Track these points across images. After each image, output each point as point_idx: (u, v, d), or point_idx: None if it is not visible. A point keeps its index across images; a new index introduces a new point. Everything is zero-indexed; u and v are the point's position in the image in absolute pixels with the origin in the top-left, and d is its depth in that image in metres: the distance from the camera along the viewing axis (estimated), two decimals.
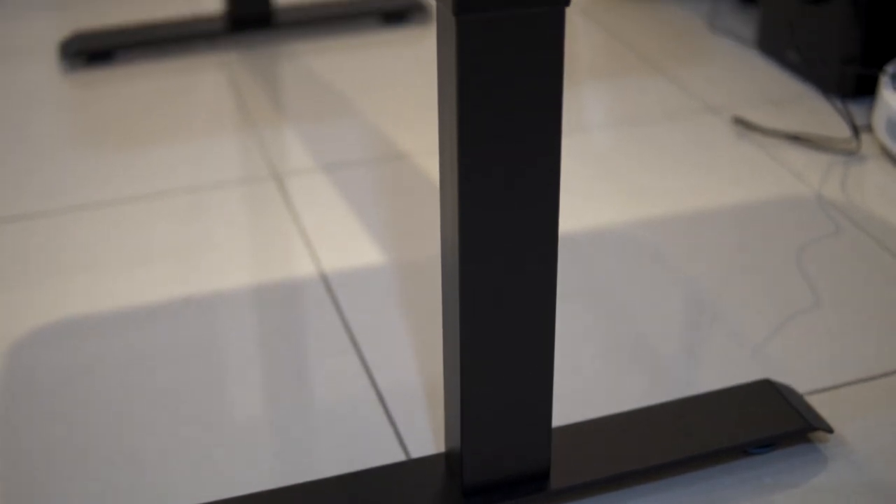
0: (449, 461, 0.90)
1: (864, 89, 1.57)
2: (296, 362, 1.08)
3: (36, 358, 1.10)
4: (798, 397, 1.00)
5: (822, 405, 1.01)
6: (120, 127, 1.55)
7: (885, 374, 1.05)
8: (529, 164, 0.76)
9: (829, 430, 0.96)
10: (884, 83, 1.45)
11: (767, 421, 0.96)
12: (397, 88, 1.65)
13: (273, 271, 1.22)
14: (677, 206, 1.34)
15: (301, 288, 1.19)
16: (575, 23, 1.85)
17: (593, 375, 1.06)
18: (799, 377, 1.05)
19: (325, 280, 1.21)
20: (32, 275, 1.23)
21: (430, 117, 1.56)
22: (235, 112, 1.58)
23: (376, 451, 0.97)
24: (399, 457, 0.97)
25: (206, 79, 1.68)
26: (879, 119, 1.44)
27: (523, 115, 0.75)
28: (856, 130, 1.47)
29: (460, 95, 0.73)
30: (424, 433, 0.99)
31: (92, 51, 1.74)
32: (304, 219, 1.32)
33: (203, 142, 1.50)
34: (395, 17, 1.85)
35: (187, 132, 1.53)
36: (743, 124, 1.52)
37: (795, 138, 1.48)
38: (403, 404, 1.03)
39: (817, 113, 1.56)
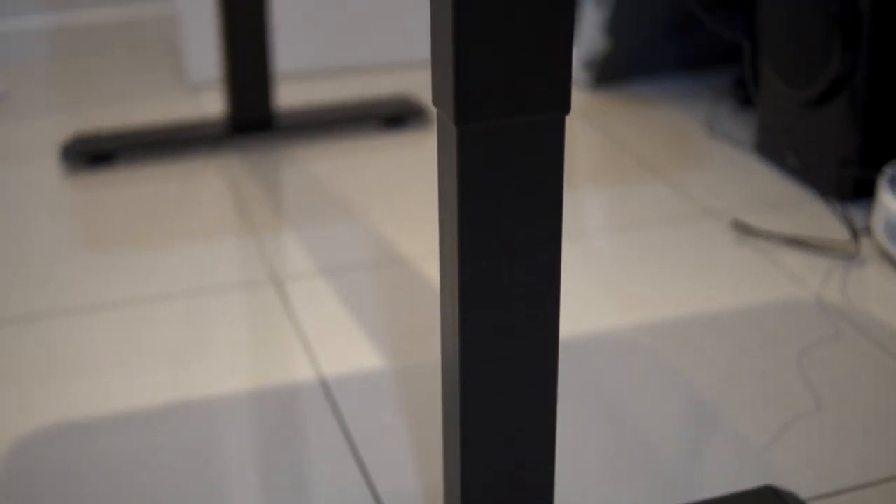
0: None
1: (862, 192, 1.57)
2: (294, 468, 1.07)
3: (33, 459, 1.09)
4: None
5: None
6: (120, 230, 1.55)
7: (889, 479, 1.04)
8: (530, 269, 0.76)
9: None
10: (882, 186, 1.46)
11: None
12: (398, 192, 1.65)
13: (272, 375, 1.22)
14: (677, 310, 1.34)
15: (300, 392, 1.19)
16: (573, 125, 1.86)
17: (593, 480, 1.05)
18: (801, 482, 1.04)
19: (325, 384, 1.20)
20: (31, 376, 1.23)
21: (430, 222, 1.56)
22: (236, 215, 1.59)
23: None
24: None
25: (207, 182, 1.69)
26: (878, 222, 1.45)
27: (524, 220, 0.75)
28: (855, 233, 1.47)
29: (461, 202, 0.73)
30: None
31: (93, 153, 1.75)
32: (303, 323, 1.32)
33: (203, 245, 1.51)
34: (396, 121, 1.87)
35: (188, 236, 1.53)
36: (742, 228, 1.53)
37: (795, 242, 1.49)
38: None
39: (816, 216, 1.56)
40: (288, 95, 2.01)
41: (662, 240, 1.51)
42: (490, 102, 0.71)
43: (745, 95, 1.92)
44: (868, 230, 1.50)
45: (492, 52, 0.69)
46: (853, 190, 1.57)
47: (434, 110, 1.86)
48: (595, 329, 1.30)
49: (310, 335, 1.29)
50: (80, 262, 1.47)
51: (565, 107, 0.72)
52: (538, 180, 0.74)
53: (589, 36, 1.98)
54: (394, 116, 1.87)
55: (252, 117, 1.80)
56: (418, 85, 2.05)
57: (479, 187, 0.73)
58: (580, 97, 1.99)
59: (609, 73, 2.02)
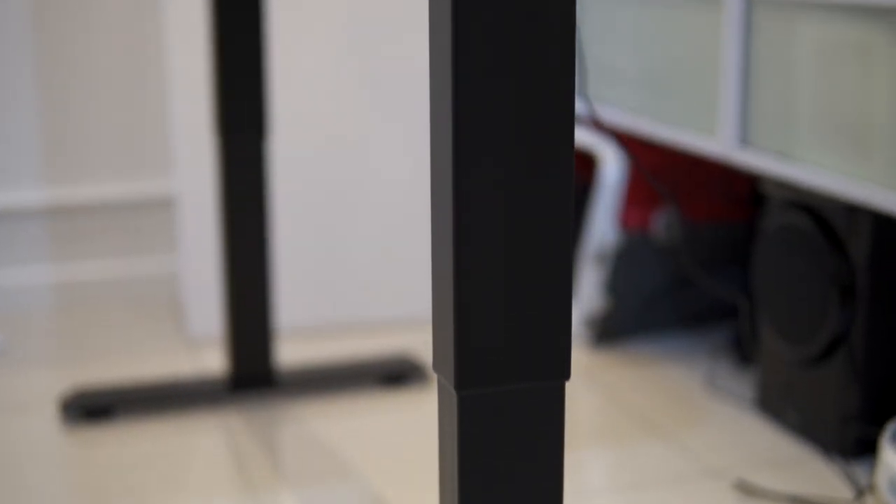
0: None
1: (864, 449, 1.56)
2: None
3: None
4: None
5: None
6: (118, 486, 1.53)
7: None
8: None
9: None
10: (885, 443, 1.45)
11: None
12: (398, 453, 1.64)
13: None
14: None
15: None
16: (573, 384, 1.87)
17: None
18: None
19: None
20: None
21: (430, 481, 1.55)
22: (234, 473, 1.57)
23: None
24: None
25: (207, 439, 1.68)
26: (882, 479, 1.43)
27: (524, 484, 0.74)
28: (859, 492, 1.45)
29: (461, 466, 0.73)
30: None
31: (92, 407, 1.74)
32: None
33: (201, 503, 1.49)
34: (396, 379, 1.87)
35: (186, 493, 1.51)
36: (745, 489, 1.51)
37: (798, 501, 1.47)
38: None
39: (819, 474, 1.55)
40: (289, 352, 2.02)
41: (665, 501, 1.49)
42: (490, 370, 0.71)
43: (744, 352, 1.93)
44: (871, 488, 1.49)
45: (492, 321, 0.70)
46: (856, 447, 1.56)
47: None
48: None
49: None
50: None
51: (565, 374, 0.73)
52: (539, 445, 0.74)
53: (588, 295, 2.01)
54: (394, 375, 1.87)
55: (253, 374, 1.81)
56: (418, 342, 2.07)
57: (479, 452, 0.73)
58: (580, 355, 2.00)
59: (609, 332, 2.03)
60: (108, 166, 2.28)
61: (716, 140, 1.67)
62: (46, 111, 2.22)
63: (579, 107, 1.99)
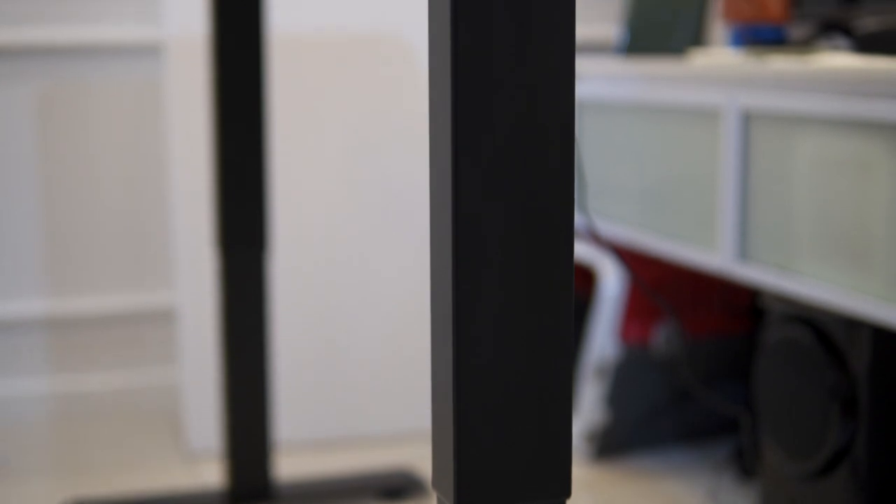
0: None
1: None
2: None
3: None
4: None
5: None
6: None
7: None
8: None
9: None
10: None
11: None
12: None
13: None
14: None
15: None
16: (575, 500, 1.85)
17: None
18: None
19: None
20: None
21: None
22: None
23: None
24: None
25: None
26: None
27: None
28: None
29: None
30: None
31: None
32: None
33: None
34: (395, 494, 1.85)
35: None
36: None
37: None
38: None
39: None
40: (288, 465, 2.00)
41: None
42: (490, 489, 0.71)
43: (746, 467, 1.91)
44: None
45: (492, 439, 0.70)
46: None
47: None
48: None
49: None
50: None
51: (566, 492, 0.72)
52: None
53: (588, 409, 2.00)
54: (393, 490, 1.86)
55: (251, 488, 1.79)
56: (418, 456, 2.05)
57: None
58: (581, 470, 1.99)
59: (609, 446, 2.02)
60: (109, 277, 2.28)
61: (715, 254, 1.67)
62: (48, 221, 2.23)
63: (578, 221, 2.00)
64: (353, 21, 2.08)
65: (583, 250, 2.07)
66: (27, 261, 2.23)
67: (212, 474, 1.99)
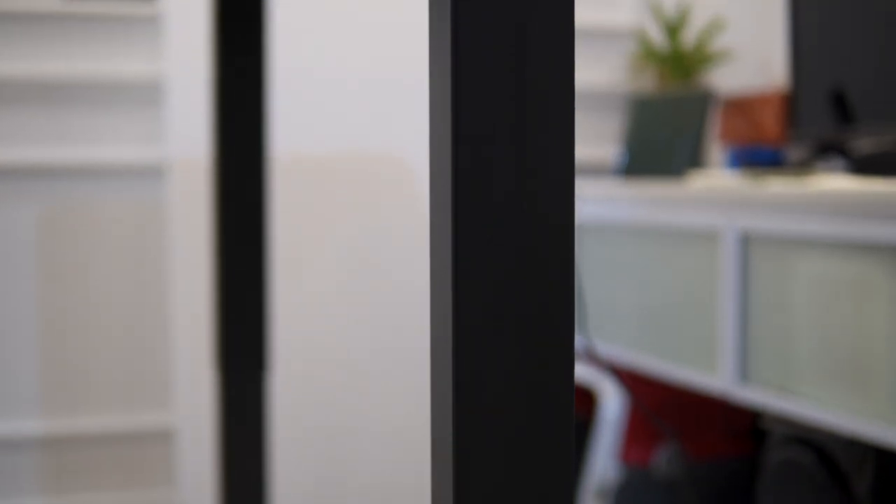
0: None
1: None
2: None
3: None
4: None
5: None
6: None
7: None
8: None
9: None
10: None
11: None
12: None
13: None
14: None
15: None
16: None
17: None
18: None
19: None
20: None
21: None
22: None
23: None
24: None
25: None
26: None
27: None
28: None
29: None
30: None
31: None
32: None
33: None
34: None
35: None
36: None
37: None
38: None
39: None
40: None
41: None
42: None
43: None
44: None
45: None
46: None
47: None
48: None
49: None
50: None
51: None
52: None
53: None
54: None
55: None
56: None
57: None
58: None
59: None
60: (106, 397, 2.27)
61: (715, 376, 1.67)
62: (46, 339, 2.23)
63: (579, 343, 2.00)
64: (354, 142, 2.10)
65: (583, 372, 2.06)
66: (24, 379, 2.22)
67: None
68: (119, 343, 2.27)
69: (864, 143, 1.73)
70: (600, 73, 2.46)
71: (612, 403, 1.98)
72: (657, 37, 2.47)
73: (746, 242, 1.61)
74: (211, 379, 2.04)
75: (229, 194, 1.69)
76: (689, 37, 2.44)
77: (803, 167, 1.81)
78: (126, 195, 2.25)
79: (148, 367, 2.29)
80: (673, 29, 2.31)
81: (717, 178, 1.77)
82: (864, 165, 1.67)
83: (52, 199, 2.21)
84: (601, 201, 1.97)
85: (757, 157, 1.93)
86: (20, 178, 2.20)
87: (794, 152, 1.99)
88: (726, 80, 2.45)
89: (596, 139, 2.47)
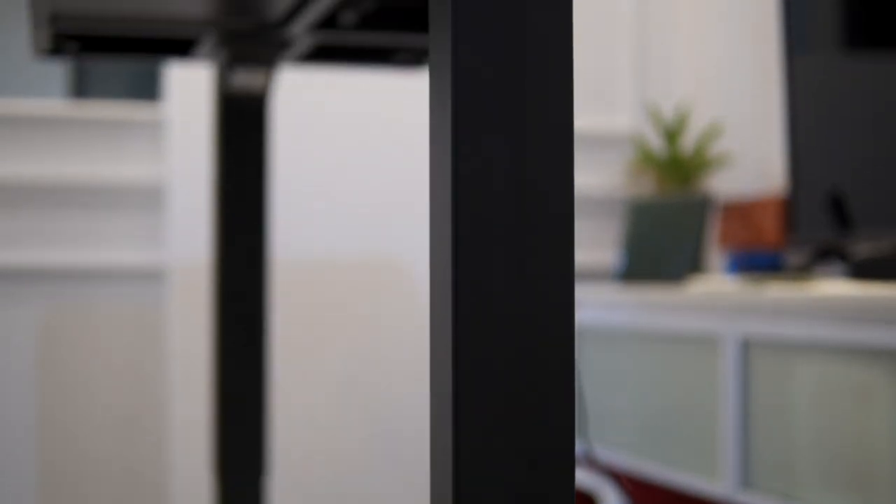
0: None
1: None
2: None
3: None
4: None
5: None
6: None
7: None
8: None
9: None
10: None
11: None
12: None
13: None
14: None
15: None
16: None
17: None
18: None
19: None
20: None
21: None
22: None
23: None
24: None
25: None
26: None
27: None
28: None
29: None
30: None
31: None
32: None
33: None
34: None
35: None
36: None
37: None
38: None
39: None
40: None
41: None
42: None
43: None
44: None
45: None
46: None
47: None
48: None
49: None
50: None
51: None
52: None
53: None
54: None
55: None
56: None
57: None
58: None
59: None
60: (104, 501, 2.25)
61: (717, 482, 1.65)
62: (43, 443, 2.21)
63: (579, 448, 1.99)
64: (353, 248, 2.10)
65: (583, 477, 2.04)
66: (22, 483, 2.20)
67: None
68: (117, 447, 2.25)
69: (863, 248, 1.74)
70: (599, 177, 2.47)
71: None
72: (656, 142, 2.49)
73: (747, 347, 1.60)
74: (209, 484, 2.03)
75: (229, 299, 1.69)
76: (688, 142, 2.46)
77: (802, 272, 1.82)
78: (125, 299, 2.25)
79: (146, 472, 2.27)
80: (671, 134, 2.33)
81: (717, 283, 1.78)
82: (864, 270, 1.67)
83: (51, 301, 2.21)
84: (601, 306, 1.97)
85: (756, 262, 1.93)
86: (20, 281, 2.20)
87: (794, 256, 1.99)
88: (725, 184, 2.46)
89: (595, 244, 2.47)
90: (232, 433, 1.70)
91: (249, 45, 1.51)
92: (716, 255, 2.36)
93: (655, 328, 1.80)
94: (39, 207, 2.21)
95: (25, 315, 2.20)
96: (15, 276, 2.20)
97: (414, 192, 2.15)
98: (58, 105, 2.20)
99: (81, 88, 2.39)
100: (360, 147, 2.14)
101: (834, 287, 1.55)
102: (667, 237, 1.96)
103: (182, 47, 1.55)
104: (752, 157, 2.44)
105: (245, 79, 1.57)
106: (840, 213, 1.78)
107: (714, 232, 2.33)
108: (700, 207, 1.91)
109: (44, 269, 2.21)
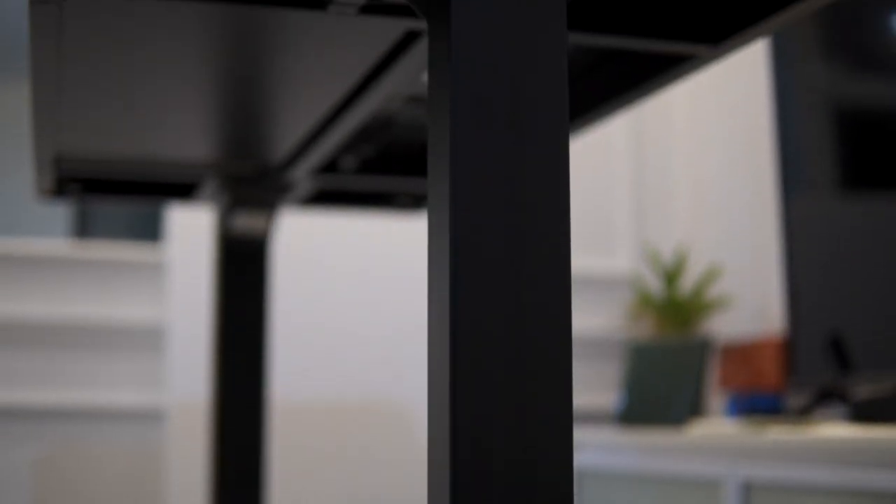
0: None
1: None
2: None
3: None
4: None
5: None
6: None
7: None
8: None
9: None
10: None
11: None
12: None
13: None
14: None
15: None
16: None
17: None
18: None
19: None
20: None
21: None
22: None
23: None
24: None
25: None
26: None
27: None
28: None
29: None
30: None
31: None
32: None
33: None
34: None
35: None
36: None
37: None
38: None
39: None
40: None
41: None
42: None
43: None
44: None
45: None
46: None
47: None
48: None
49: None
50: None
51: None
52: None
53: None
54: None
55: None
56: None
57: None
58: None
59: None
60: None
61: None
62: None
63: None
64: (351, 389, 2.10)
65: None
66: None
67: None
68: None
69: (864, 390, 1.73)
70: (598, 319, 2.48)
71: None
72: (654, 284, 2.50)
73: (748, 491, 1.59)
74: None
75: (227, 440, 1.68)
76: (687, 284, 2.47)
77: (803, 414, 1.81)
78: (124, 439, 2.23)
79: None
80: (670, 276, 2.34)
81: (718, 427, 1.77)
82: (864, 411, 1.66)
83: (50, 441, 2.20)
84: (601, 449, 1.95)
85: (756, 405, 1.93)
86: (19, 420, 2.19)
87: (794, 399, 1.99)
88: (724, 326, 2.46)
89: (595, 386, 2.47)
90: None
91: (251, 189, 1.53)
92: (716, 397, 2.35)
93: (656, 471, 1.79)
94: (40, 347, 2.21)
95: (24, 454, 2.18)
96: (14, 415, 2.19)
97: (412, 334, 2.15)
98: (60, 245, 2.21)
99: (84, 228, 2.41)
100: (359, 289, 2.15)
101: (835, 430, 1.54)
102: (667, 380, 1.96)
103: (184, 190, 1.57)
104: (751, 298, 2.45)
105: (246, 222, 1.58)
106: (840, 354, 1.78)
107: (714, 374, 2.33)
108: (699, 350, 1.91)
109: (43, 409, 2.20)
